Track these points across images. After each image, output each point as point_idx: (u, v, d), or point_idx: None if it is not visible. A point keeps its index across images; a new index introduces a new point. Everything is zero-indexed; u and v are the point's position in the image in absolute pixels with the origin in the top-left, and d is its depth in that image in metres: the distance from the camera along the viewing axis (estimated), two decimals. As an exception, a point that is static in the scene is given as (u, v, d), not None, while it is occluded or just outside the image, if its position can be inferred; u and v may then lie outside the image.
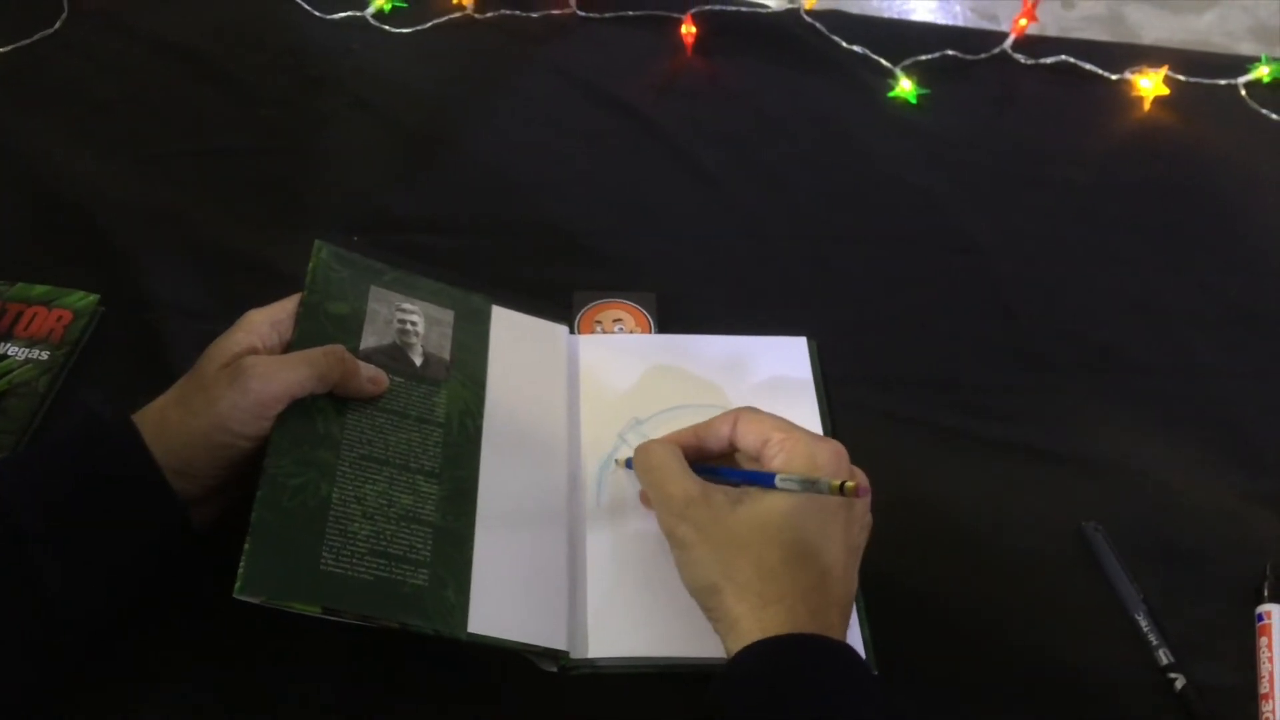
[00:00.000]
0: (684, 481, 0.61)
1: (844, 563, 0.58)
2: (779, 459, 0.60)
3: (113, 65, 0.99)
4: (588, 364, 0.76)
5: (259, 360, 0.61)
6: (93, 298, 0.78)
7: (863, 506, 0.61)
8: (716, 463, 0.64)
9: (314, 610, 0.57)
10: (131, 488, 0.58)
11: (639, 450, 0.65)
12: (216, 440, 0.59)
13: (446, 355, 0.70)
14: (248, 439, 0.60)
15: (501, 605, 0.62)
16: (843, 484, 0.56)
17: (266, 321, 0.65)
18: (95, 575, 0.57)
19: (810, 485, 0.57)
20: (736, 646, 0.56)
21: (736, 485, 0.61)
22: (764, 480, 0.59)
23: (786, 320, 0.80)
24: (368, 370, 0.65)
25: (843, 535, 0.58)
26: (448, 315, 0.72)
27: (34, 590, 0.55)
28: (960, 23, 1.45)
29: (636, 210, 0.90)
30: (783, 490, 0.58)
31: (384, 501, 0.62)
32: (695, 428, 0.65)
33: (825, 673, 0.54)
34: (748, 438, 0.63)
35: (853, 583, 0.59)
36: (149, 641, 0.62)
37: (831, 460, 0.59)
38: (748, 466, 0.63)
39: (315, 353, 0.63)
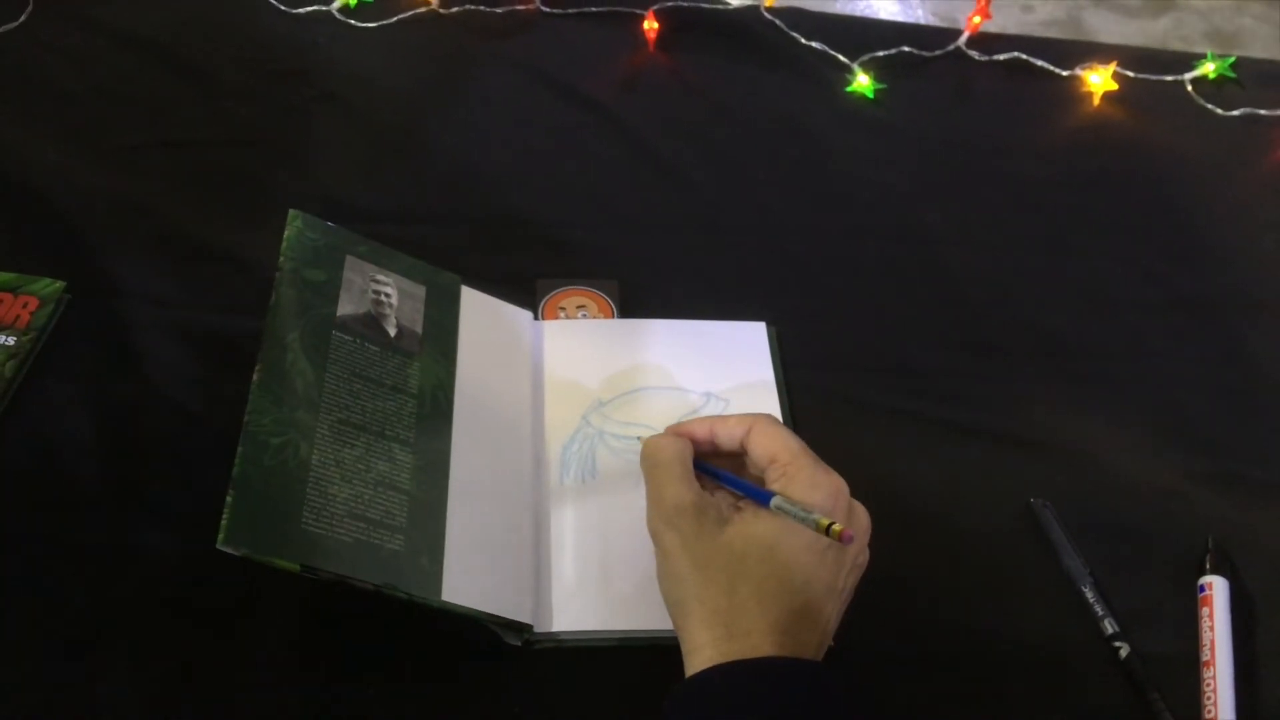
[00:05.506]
0: (680, 488, 0.60)
1: (822, 602, 0.57)
2: (779, 483, 0.59)
3: (78, 58, 0.99)
4: (552, 347, 0.78)
5: None
6: (59, 285, 0.79)
7: (857, 548, 0.59)
8: (726, 461, 0.64)
9: (293, 568, 0.58)
10: None
11: (648, 443, 0.64)
12: None
13: (419, 329, 0.72)
14: None
15: (472, 576, 0.63)
16: (830, 526, 0.54)
17: None
18: None
19: (802, 517, 0.56)
20: (695, 671, 0.55)
21: (735, 494, 0.61)
22: (761, 497, 0.58)
23: (745, 308, 0.82)
24: None
25: (828, 576, 0.57)
26: (420, 290, 0.74)
27: None
28: (920, 23, 1.48)
29: (599, 201, 0.92)
30: (775, 514, 0.57)
31: (362, 466, 0.63)
32: (712, 420, 0.64)
33: (780, 693, 0.53)
34: (757, 450, 0.62)
35: (831, 624, 0.58)
36: (109, 609, 0.64)
37: (829, 495, 0.58)
38: (752, 475, 0.63)
39: None
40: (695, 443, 0.64)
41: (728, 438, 0.63)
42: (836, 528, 0.54)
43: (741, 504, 0.60)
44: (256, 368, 0.64)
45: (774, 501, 0.57)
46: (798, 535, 0.56)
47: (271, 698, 0.62)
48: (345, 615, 0.63)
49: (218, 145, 0.93)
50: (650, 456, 0.63)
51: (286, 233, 0.70)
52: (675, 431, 0.65)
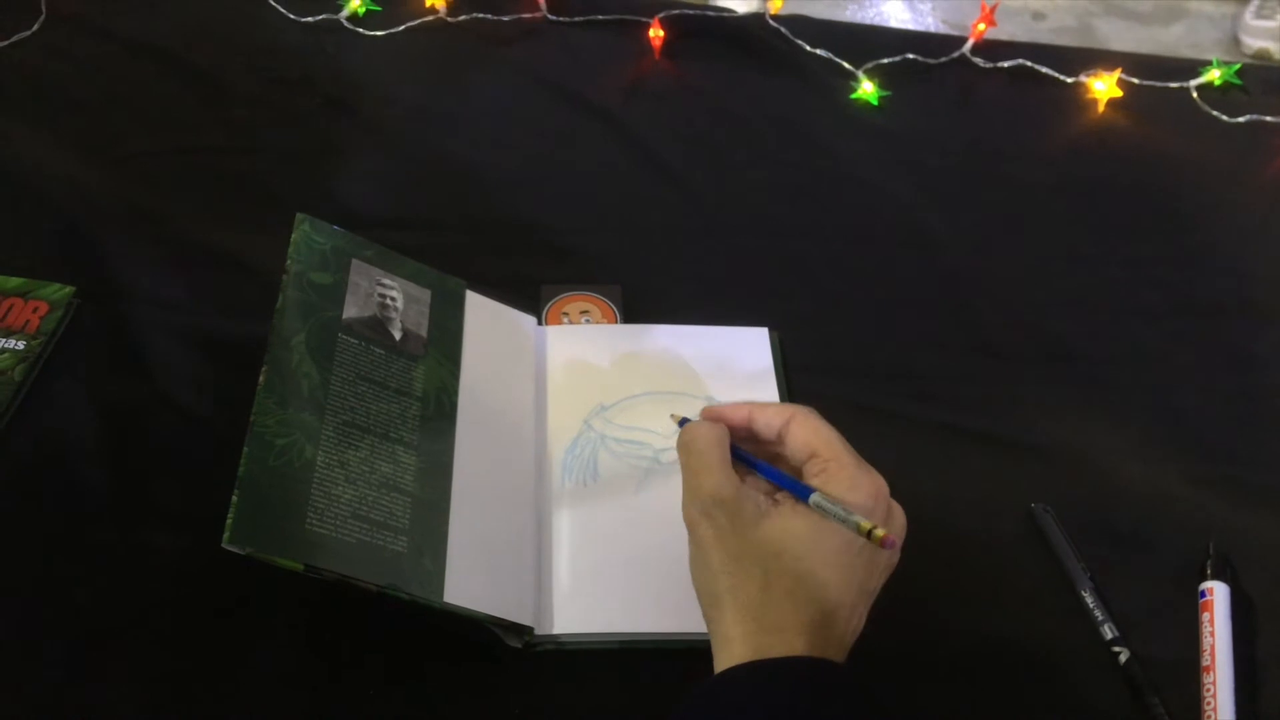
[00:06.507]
0: (719, 477, 0.58)
1: (853, 603, 0.56)
2: (818, 479, 0.57)
3: (89, 66, 1.00)
4: (555, 352, 0.78)
5: None
6: (68, 290, 0.80)
7: (891, 551, 0.58)
8: (760, 449, 0.62)
9: (296, 567, 0.58)
10: None
11: (687, 429, 0.62)
12: None
13: (424, 333, 0.72)
14: None
15: (474, 578, 0.64)
16: (871, 530, 0.53)
17: None
18: None
19: (843, 518, 0.54)
20: (725, 665, 0.54)
21: (773, 485, 0.60)
22: (801, 493, 0.57)
23: (748, 313, 0.82)
24: None
25: (862, 576, 0.56)
26: (425, 294, 0.74)
27: None
28: (927, 30, 1.48)
29: (604, 208, 0.92)
30: (814, 509, 0.56)
31: (365, 468, 0.64)
32: (751, 406, 0.62)
33: (809, 695, 0.52)
34: (796, 443, 0.60)
35: (859, 624, 0.57)
36: (114, 609, 0.64)
37: (870, 495, 0.56)
38: (790, 467, 0.61)
39: None
40: (731, 428, 0.62)
41: (765, 426, 0.62)
42: (879, 532, 0.53)
43: (779, 496, 0.58)
44: (262, 369, 0.64)
45: (814, 499, 0.56)
46: (835, 534, 0.55)
47: (273, 698, 0.62)
48: (346, 617, 0.64)
49: (226, 152, 0.94)
50: (688, 444, 0.60)
51: (293, 236, 0.71)
52: (712, 415, 0.63)
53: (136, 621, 0.64)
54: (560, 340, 0.79)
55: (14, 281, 0.80)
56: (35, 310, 0.78)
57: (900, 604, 0.67)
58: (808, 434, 0.60)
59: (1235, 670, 0.65)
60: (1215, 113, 1.02)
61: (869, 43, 1.06)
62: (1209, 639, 0.66)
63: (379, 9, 1.07)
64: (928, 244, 0.90)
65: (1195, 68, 1.05)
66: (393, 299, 0.72)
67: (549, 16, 1.07)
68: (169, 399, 0.75)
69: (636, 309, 0.83)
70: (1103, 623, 0.67)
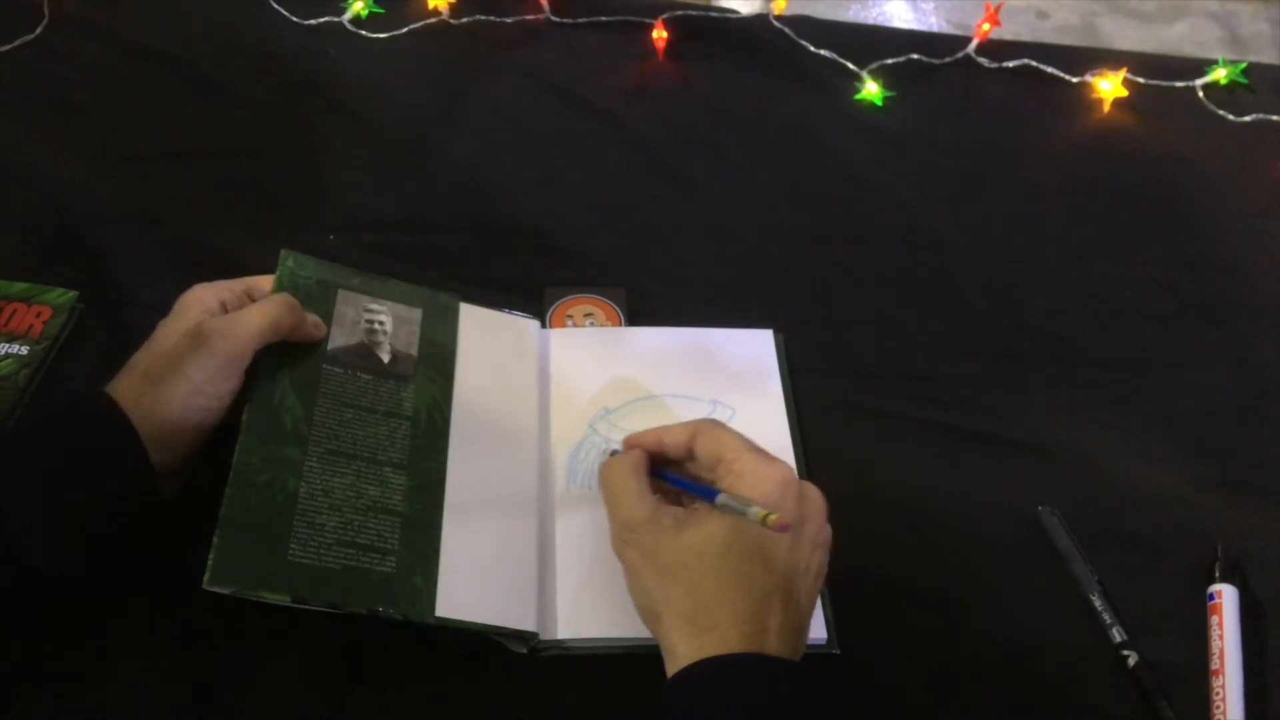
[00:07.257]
0: (635, 504, 0.62)
1: (785, 587, 0.58)
2: (725, 481, 0.61)
3: (93, 70, 1.00)
4: (559, 356, 0.78)
5: (217, 320, 0.64)
6: (72, 294, 0.80)
7: (814, 527, 0.60)
8: (677, 469, 0.65)
9: (283, 599, 0.58)
10: (114, 461, 0.60)
11: (603, 468, 0.66)
12: (192, 406, 0.62)
13: (414, 352, 0.72)
14: (220, 399, 0.63)
15: (470, 589, 0.63)
16: (766, 516, 0.56)
17: (214, 299, 0.67)
18: (75, 545, 0.60)
19: (743, 510, 0.57)
20: (672, 673, 0.57)
21: (688, 496, 0.63)
22: (708, 496, 0.60)
23: (753, 315, 0.82)
24: (311, 317, 0.69)
25: (787, 557, 0.58)
26: (415, 314, 0.74)
27: (16, 561, 0.57)
28: (931, 30, 1.47)
29: (608, 210, 0.92)
30: (721, 510, 0.59)
31: (351, 494, 0.64)
32: (659, 431, 0.66)
33: (751, 691, 0.55)
34: (703, 454, 0.63)
35: (801, 603, 0.59)
36: (116, 632, 0.64)
37: (776, 485, 0.59)
38: (704, 477, 0.64)
39: (267, 303, 0.66)
40: (649, 453, 0.65)
41: (674, 446, 0.65)
42: (772, 518, 0.56)
43: (696, 506, 0.62)
44: (246, 406, 0.64)
45: (719, 499, 0.59)
46: (752, 525, 0.58)
47: (279, 708, 0.62)
48: (349, 624, 0.63)
49: (229, 155, 0.94)
50: (604, 480, 0.65)
51: (278, 272, 0.71)
52: (629, 443, 0.67)
53: (141, 624, 0.64)
54: (564, 344, 0.79)
55: (18, 286, 0.80)
56: (39, 315, 0.78)
57: (906, 607, 0.68)
58: (711, 444, 0.63)
59: (1244, 673, 0.65)
60: (1221, 112, 1.01)
61: (873, 43, 1.05)
62: (1218, 642, 0.66)
63: (381, 11, 1.07)
64: (933, 245, 0.90)
65: (1201, 67, 1.04)
66: (380, 323, 0.72)
67: (552, 18, 1.07)
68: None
69: (641, 311, 0.83)
70: (1111, 626, 0.67)
